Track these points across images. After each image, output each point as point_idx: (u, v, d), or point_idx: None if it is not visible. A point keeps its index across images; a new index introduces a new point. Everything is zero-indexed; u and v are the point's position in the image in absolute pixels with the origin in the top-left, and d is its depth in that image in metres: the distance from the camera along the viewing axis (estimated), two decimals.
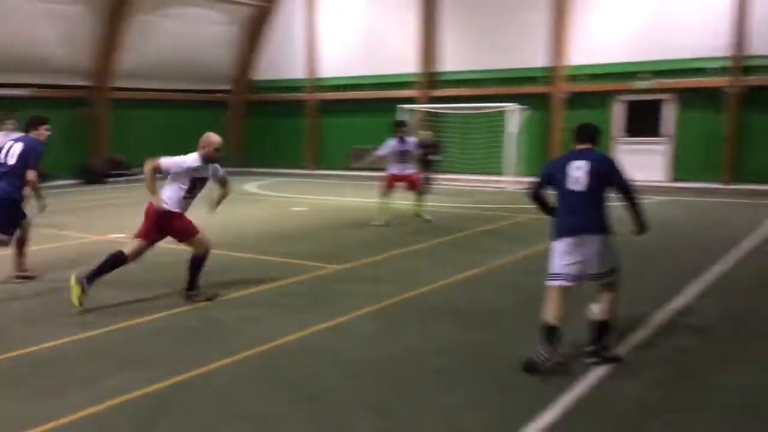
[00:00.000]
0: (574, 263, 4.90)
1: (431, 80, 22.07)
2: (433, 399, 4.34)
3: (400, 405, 4.24)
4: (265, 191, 17.90)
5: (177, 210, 6.72)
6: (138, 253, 6.68)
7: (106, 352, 5.25)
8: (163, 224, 6.67)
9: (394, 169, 11.91)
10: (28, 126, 7.82)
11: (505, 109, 18.82)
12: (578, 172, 4.97)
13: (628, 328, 5.73)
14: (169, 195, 6.75)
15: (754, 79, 17.41)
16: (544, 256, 8.87)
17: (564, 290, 4.93)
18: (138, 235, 6.74)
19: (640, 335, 5.60)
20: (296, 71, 24.47)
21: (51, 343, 5.42)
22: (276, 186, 19.28)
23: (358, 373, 4.80)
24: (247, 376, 4.76)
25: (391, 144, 11.90)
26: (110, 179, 21.22)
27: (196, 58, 23.56)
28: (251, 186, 19.10)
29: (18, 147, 7.46)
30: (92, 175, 20.80)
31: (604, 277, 4.97)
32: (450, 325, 5.94)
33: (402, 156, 11.86)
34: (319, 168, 24.06)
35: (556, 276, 4.97)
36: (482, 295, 7.03)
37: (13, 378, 4.74)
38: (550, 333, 4.85)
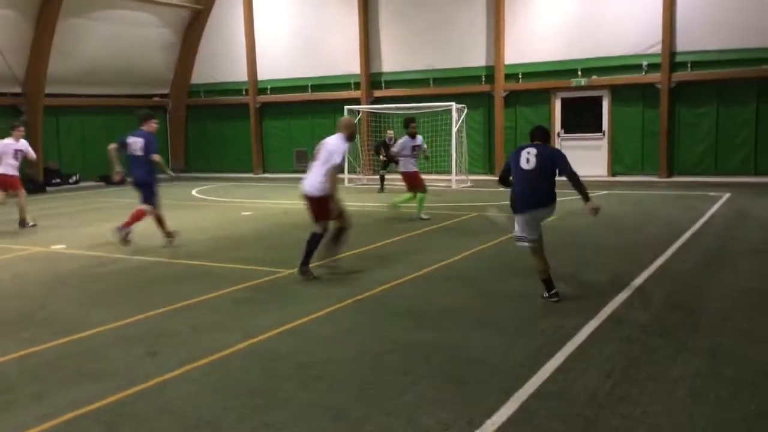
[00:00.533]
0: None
1: (373, 81, 22.11)
2: (392, 399, 4.33)
3: (359, 408, 4.22)
4: (210, 196, 17.60)
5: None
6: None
7: (55, 367, 5.05)
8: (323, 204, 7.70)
9: (411, 167, 12.38)
10: (141, 121, 10.13)
11: (447, 108, 19.00)
12: (529, 156, 6.40)
13: (579, 322, 5.85)
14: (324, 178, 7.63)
15: (682, 75, 18.06)
16: (491, 252, 9.02)
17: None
18: (320, 218, 7.77)
19: (589, 327, 5.72)
20: (236, 74, 24.14)
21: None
22: (220, 191, 18.97)
23: (314, 377, 4.76)
24: (201, 385, 4.65)
25: (402, 141, 12.55)
26: (50, 188, 20.50)
27: (130, 62, 22.97)
28: (195, 191, 18.75)
29: (140, 141, 9.85)
30: (29, 184, 20.02)
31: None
32: (404, 325, 5.95)
33: (413, 153, 12.49)
34: (263, 171, 23.80)
35: (521, 238, 6.55)
36: (434, 293, 7.07)
37: None
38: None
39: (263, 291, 7.33)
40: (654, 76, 18.30)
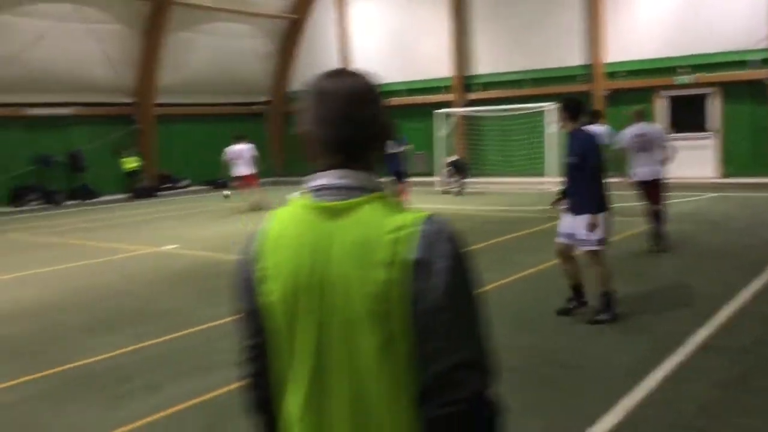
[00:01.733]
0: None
1: (466, 83, 22.01)
2: None
3: None
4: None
5: None
6: None
7: (167, 361, 5.35)
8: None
9: None
10: None
11: (544, 109, 18.64)
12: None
13: (689, 329, 5.61)
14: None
15: None
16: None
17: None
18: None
19: (700, 335, 5.47)
20: None
21: (113, 353, 5.55)
22: None
23: None
24: None
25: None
26: (159, 193, 21.69)
27: (233, 72, 23.93)
28: (290, 195, 19.26)
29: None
30: (143, 188, 21.26)
31: None
32: (503, 328, 5.88)
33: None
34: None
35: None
36: (535, 296, 6.96)
37: (87, 386, 4.86)
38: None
39: None
40: (762, 72, 17.25)
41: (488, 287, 7.36)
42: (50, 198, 19.34)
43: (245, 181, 15.47)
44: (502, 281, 7.61)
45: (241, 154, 15.29)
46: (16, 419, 4.30)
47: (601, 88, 19.57)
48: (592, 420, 3.99)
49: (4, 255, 11.02)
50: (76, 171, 19.97)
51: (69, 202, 19.43)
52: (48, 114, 19.84)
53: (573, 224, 5.94)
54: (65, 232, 13.25)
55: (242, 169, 15.29)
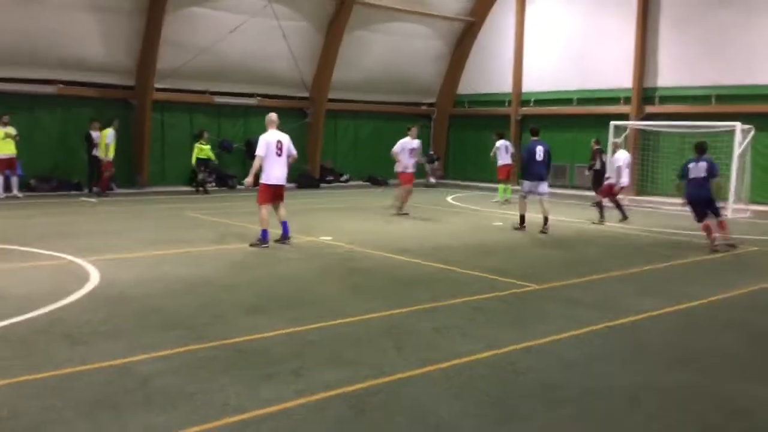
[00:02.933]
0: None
1: (645, 96, 20.78)
2: None
3: None
4: (464, 203, 17.95)
5: None
6: None
7: (314, 348, 5.50)
8: None
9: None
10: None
11: (729, 128, 17.12)
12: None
13: None
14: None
15: None
16: None
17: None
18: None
19: None
20: (501, 85, 24.32)
21: (263, 335, 5.81)
22: (475, 199, 19.25)
23: (558, 400, 4.56)
24: (443, 387, 4.72)
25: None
26: (324, 184, 22.62)
27: (403, 72, 24.35)
28: (450, 198, 19.28)
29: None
30: (308, 179, 22.24)
31: None
32: (661, 363, 5.45)
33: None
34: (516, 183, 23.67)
35: None
36: (698, 332, 6.39)
37: (235, 363, 5.12)
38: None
39: (507, 303, 7.24)
40: None
41: (643, 315, 6.86)
42: (225, 181, 20.78)
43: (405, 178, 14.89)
44: (664, 310, 7.06)
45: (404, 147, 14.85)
46: (162, 387, 4.59)
47: None
48: None
49: (179, 230, 11.97)
50: (251, 158, 21.27)
51: (241, 187, 20.79)
52: (233, 103, 21.37)
53: None
54: (233, 214, 14.16)
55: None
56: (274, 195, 10.44)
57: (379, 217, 14.52)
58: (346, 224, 13.27)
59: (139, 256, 9.35)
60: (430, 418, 4.20)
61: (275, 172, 10.29)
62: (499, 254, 10.33)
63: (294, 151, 10.48)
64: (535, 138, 13.11)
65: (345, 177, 23.99)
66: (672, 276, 8.94)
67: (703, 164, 11.05)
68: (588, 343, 5.89)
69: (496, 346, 5.66)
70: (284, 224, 10.54)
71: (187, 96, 20.60)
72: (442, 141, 26.32)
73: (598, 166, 18.20)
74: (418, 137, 15.38)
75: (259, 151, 10.22)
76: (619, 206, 14.65)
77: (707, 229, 11.15)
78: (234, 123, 21.86)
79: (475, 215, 15.60)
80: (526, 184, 12.85)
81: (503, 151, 18.22)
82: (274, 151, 10.21)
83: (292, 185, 21.86)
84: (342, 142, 24.61)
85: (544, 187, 12.84)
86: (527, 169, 12.89)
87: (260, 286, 7.75)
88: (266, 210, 10.37)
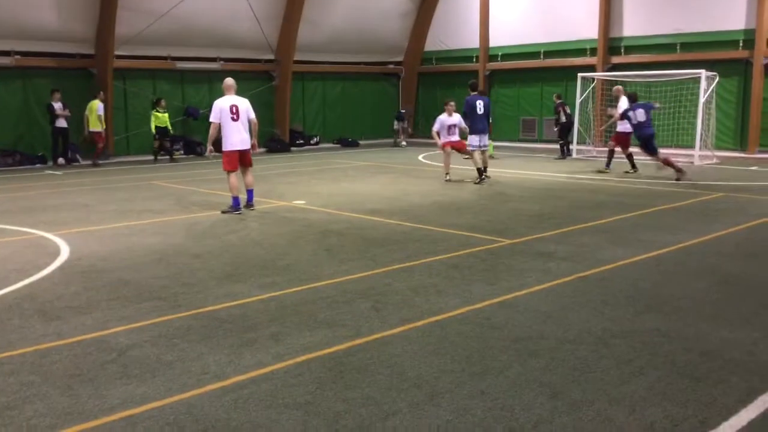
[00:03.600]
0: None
1: (611, 46, 20.82)
2: (614, 387, 4.09)
3: (577, 390, 4.04)
4: (436, 162, 17.95)
5: None
6: None
7: (291, 312, 5.52)
8: None
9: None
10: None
11: (694, 76, 17.29)
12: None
13: None
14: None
15: None
16: (740, 238, 8.12)
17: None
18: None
19: None
20: (468, 41, 24.16)
21: (239, 301, 5.81)
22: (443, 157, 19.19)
23: (531, 352, 4.65)
24: (420, 345, 4.78)
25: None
26: (294, 148, 22.43)
27: (369, 31, 24.04)
28: (422, 156, 19.26)
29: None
30: (278, 143, 22.04)
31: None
32: (630, 309, 5.58)
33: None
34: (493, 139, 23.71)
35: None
36: (666, 279, 6.53)
37: (212, 331, 5.13)
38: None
39: (481, 259, 7.32)
40: None
41: (615, 264, 7.00)
42: (192, 148, 20.50)
43: None
44: (634, 258, 7.21)
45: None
46: (139, 358, 4.59)
47: (761, 56, 17.85)
48: (727, 414, 3.69)
49: (146, 200, 11.82)
50: None
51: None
52: (196, 68, 20.95)
53: None
54: (201, 182, 14.01)
55: None
56: (238, 161, 10.28)
57: (350, 178, 14.49)
58: (318, 187, 13.22)
59: (108, 228, 9.24)
60: (409, 376, 4.26)
61: (233, 137, 10.10)
62: (470, 211, 10.40)
63: (252, 115, 10.27)
64: (475, 93, 13.63)
65: (315, 140, 23.81)
66: (642, 225, 9.10)
67: (640, 110, 13.43)
68: (561, 295, 6.00)
69: (472, 302, 5.74)
70: (249, 192, 10.47)
71: (148, 62, 20.16)
72: (412, 99, 26.18)
73: (563, 119, 18.36)
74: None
75: (212, 117, 10.14)
76: (629, 156, 14.99)
77: (667, 162, 13.14)
78: (198, 89, 21.48)
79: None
80: (474, 138, 13.35)
81: None
82: (228, 116, 10.03)
83: (262, 150, 21.72)
84: (310, 105, 24.36)
85: (485, 139, 13.48)
86: (471, 124, 13.43)
87: (233, 253, 7.71)
88: (235, 177, 10.25)
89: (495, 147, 18.36)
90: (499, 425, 3.62)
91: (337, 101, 24.65)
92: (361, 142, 24.15)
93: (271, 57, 22.39)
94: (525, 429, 3.58)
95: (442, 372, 4.32)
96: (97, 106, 17.69)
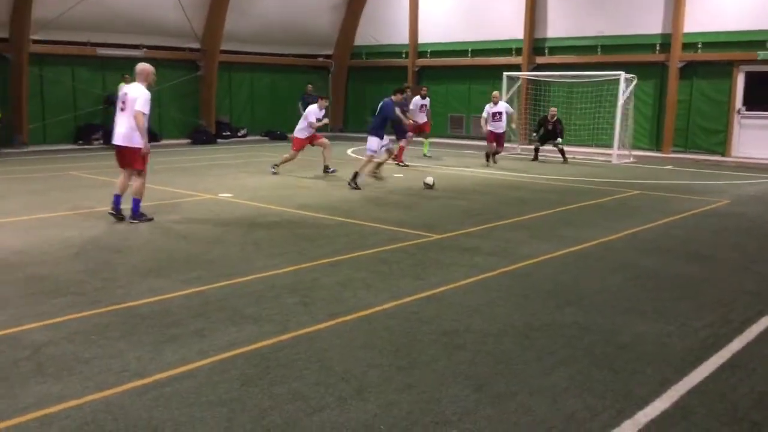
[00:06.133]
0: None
1: (536, 47, 21.36)
2: (536, 378, 4.20)
3: (501, 382, 4.13)
4: (364, 156, 17.94)
5: None
6: None
7: (216, 308, 5.41)
8: None
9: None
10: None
11: (614, 78, 17.95)
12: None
13: (749, 317, 5.36)
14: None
15: None
16: (655, 234, 8.48)
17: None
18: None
19: (761, 324, 5.22)
20: (397, 36, 24.28)
21: (162, 297, 5.65)
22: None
23: (457, 345, 4.72)
24: (348, 340, 4.77)
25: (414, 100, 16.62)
26: (220, 140, 21.97)
27: (299, 23, 23.81)
28: (350, 151, 19.25)
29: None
30: (203, 135, 21.54)
31: None
32: (551, 303, 5.75)
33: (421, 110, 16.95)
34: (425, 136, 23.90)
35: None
36: (586, 273, 6.76)
37: (133, 327, 4.96)
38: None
39: (410, 254, 7.38)
40: None
41: (537, 259, 7.19)
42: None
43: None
44: (556, 253, 7.42)
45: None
46: (55, 356, 4.41)
47: (676, 59, 18.71)
48: (642, 404, 3.85)
49: (63, 191, 11.35)
50: None
51: None
52: (117, 55, 20.21)
53: None
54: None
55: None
56: (117, 157, 8.87)
57: (279, 172, 14.31)
58: (245, 180, 13.00)
59: (22, 220, 8.81)
60: (336, 371, 4.25)
61: (115, 129, 8.73)
62: (398, 206, 10.46)
63: (138, 107, 8.38)
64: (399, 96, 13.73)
65: (242, 132, 23.42)
66: (563, 221, 9.38)
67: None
68: (487, 289, 6.12)
69: (400, 297, 5.77)
70: (116, 197, 8.81)
71: (68, 48, 19.30)
72: (341, 93, 26.11)
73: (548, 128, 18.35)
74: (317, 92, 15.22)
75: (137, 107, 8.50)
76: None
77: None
78: (119, 77, 20.72)
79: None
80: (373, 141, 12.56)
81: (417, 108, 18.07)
82: (118, 105, 8.73)
83: (185, 141, 21.20)
84: (238, 96, 23.93)
85: (371, 142, 12.52)
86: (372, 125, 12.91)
87: (156, 248, 7.50)
88: (123, 176, 8.90)
89: (421, 143, 18.52)
90: (426, 418, 3.66)
91: (266, 93, 24.31)
92: (289, 136, 23.90)
93: (197, 46, 21.85)
94: (451, 422, 3.63)
95: (370, 366, 4.33)
96: None
